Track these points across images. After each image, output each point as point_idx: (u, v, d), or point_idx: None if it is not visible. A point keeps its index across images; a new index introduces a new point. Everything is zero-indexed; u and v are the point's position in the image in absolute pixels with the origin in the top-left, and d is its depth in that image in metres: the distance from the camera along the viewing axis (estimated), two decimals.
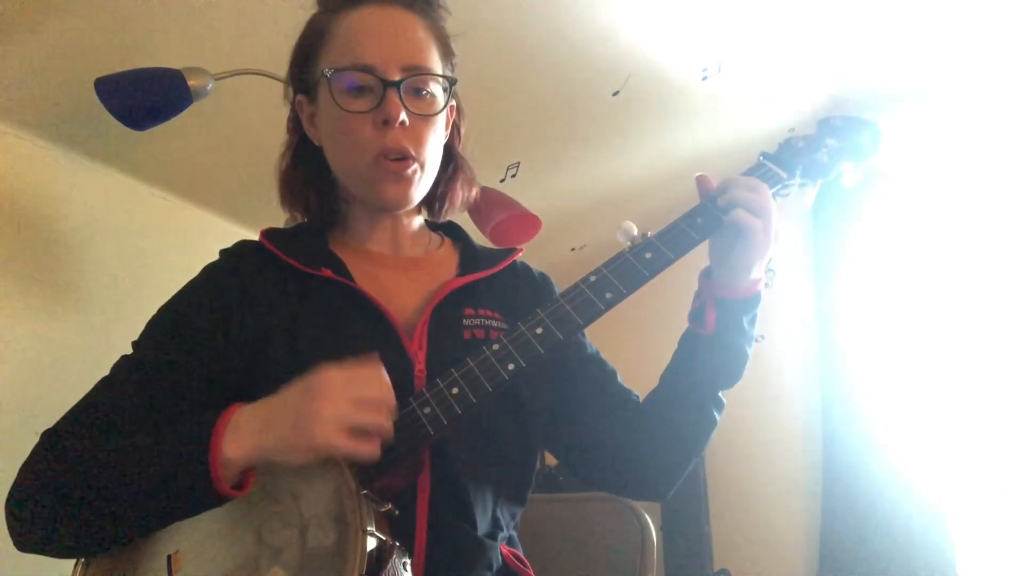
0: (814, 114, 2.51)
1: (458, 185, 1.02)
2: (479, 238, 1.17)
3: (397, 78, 0.86)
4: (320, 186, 0.98)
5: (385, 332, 0.87)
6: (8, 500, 0.78)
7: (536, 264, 1.11)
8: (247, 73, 1.55)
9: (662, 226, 0.91)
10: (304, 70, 0.94)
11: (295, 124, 0.99)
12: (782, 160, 0.98)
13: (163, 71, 1.45)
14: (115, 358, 0.88)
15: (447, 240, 1.06)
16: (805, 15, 2.12)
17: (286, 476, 0.74)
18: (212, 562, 0.73)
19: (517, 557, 0.93)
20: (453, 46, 0.97)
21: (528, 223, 1.89)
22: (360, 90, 0.86)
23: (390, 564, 0.68)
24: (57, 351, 1.74)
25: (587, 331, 0.97)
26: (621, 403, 1.00)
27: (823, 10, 2.12)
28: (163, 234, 2.06)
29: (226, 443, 0.69)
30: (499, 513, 0.91)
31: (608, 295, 0.84)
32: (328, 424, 0.68)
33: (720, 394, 0.95)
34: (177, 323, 0.88)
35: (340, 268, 0.91)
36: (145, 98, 1.43)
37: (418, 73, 0.88)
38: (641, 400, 1.00)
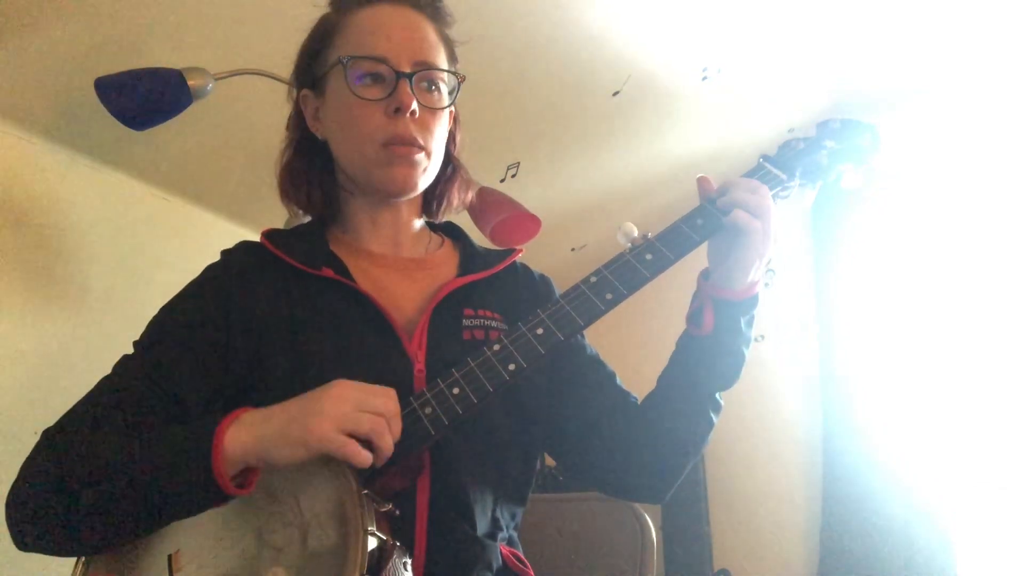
0: (814, 115, 2.51)
1: (455, 186, 1.04)
2: (479, 239, 1.17)
3: (409, 71, 0.89)
4: (322, 180, 0.99)
5: (385, 332, 0.87)
6: (8, 499, 0.78)
7: (536, 264, 1.11)
8: (247, 73, 1.56)
9: (662, 227, 0.91)
10: (313, 64, 0.96)
11: (297, 120, 1.00)
12: (781, 162, 0.98)
13: (163, 71, 1.46)
14: (115, 357, 0.88)
15: (447, 241, 1.06)
16: (805, 16, 2.12)
17: (287, 476, 0.74)
18: (213, 562, 0.73)
19: (517, 557, 0.93)
20: (457, 52, 1.00)
21: (528, 223, 1.89)
22: (373, 80, 0.89)
23: (390, 564, 0.68)
24: (57, 350, 1.74)
25: (587, 333, 0.97)
26: (620, 405, 1.00)
27: (823, 11, 2.12)
28: (163, 234, 2.06)
29: (228, 440, 0.70)
30: (499, 514, 0.91)
31: (608, 296, 0.85)
32: (325, 420, 0.69)
33: (717, 395, 0.96)
34: (178, 323, 0.88)
35: (341, 268, 0.92)
36: (145, 98, 1.44)
37: (429, 68, 0.91)
38: (640, 402, 1.00)
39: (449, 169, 1.03)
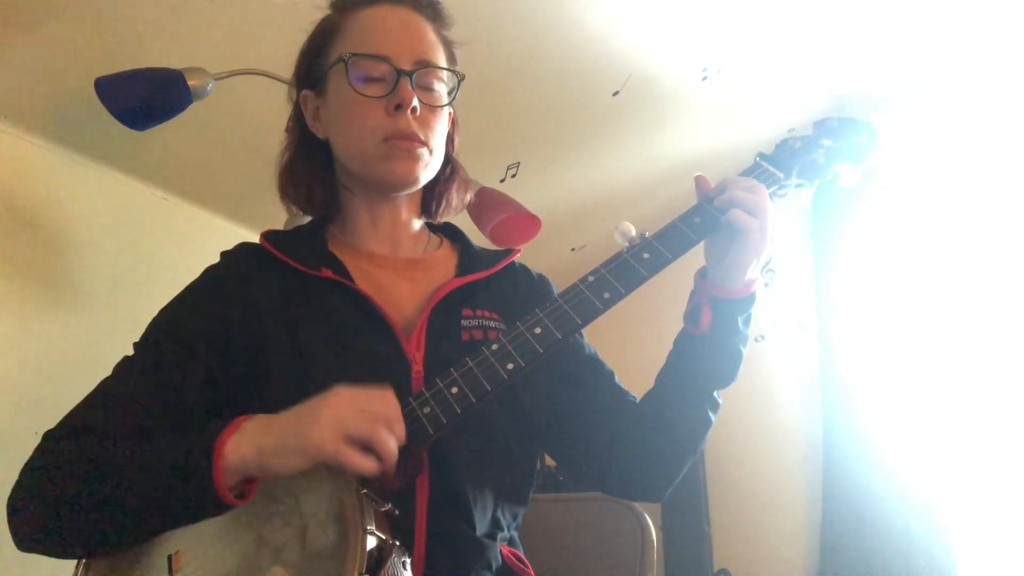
0: (814, 115, 2.50)
1: (454, 186, 1.05)
2: (478, 239, 1.17)
3: (410, 69, 0.90)
4: (322, 179, 0.99)
5: (383, 333, 0.88)
6: (9, 501, 0.78)
7: (536, 264, 1.11)
8: (247, 73, 1.56)
9: (661, 226, 0.91)
10: (313, 64, 0.97)
11: (297, 121, 1.01)
12: (779, 161, 0.98)
13: (163, 71, 1.46)
14: (116, 358, 0.88)
15: (446, 241, 1.07)
16: (805, 16, 2.12)
17: (287, 476, 0.74)
18: (212, 561, 0.73)
19: (517, 557, 0.93)
20: (456, 53, 1.00)
21: (528, 223, 1.89)
22: (374, 78, 0.90)
23: (390, 563, 0.68)
24: (57, 351, 1.74)
25: (585, 332, 0.97)
26: (618, 404, 1.00)
27: (823, 11, 2.12)
28: (163, 234, 2.06)
29: (228, 452, 0.70)
30: (499, 513, 0.91)
31: (606, 295, 0.85)
32: (325, 428, 0.68)
33: (715, 394, 0.96)
34: (178, 324, 0.88)
35: (340, 269, 0.92)
36: (145, 98, 1.44)
37: (429, 66, 0.92)
38: (638, 401, 1.00)
39: (448, 169, 1.03)
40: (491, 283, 0.99)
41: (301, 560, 0.69)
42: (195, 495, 0.70)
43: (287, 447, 0.69)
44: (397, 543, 0.70)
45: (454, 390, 0.79)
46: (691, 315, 0.93)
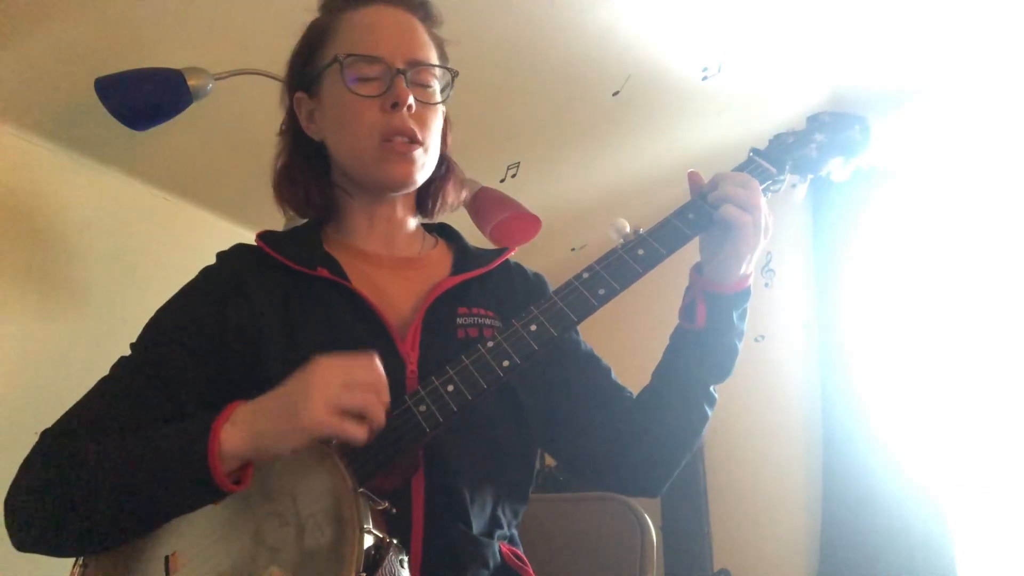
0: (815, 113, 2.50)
1: (450, 184, 1.05)
2: (478, 239, 1.17)
3: (404, 68, 0.91)
4: (318, 181, 1.00)
5: (378, 333, 0.88)
6: (7, 500, 0.78)
7: (536, 264, 1.11)
8: (247, 73, 1.56)
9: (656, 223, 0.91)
10: (306, 66, 0.97)
11: (291, 125, 1.01)
12: (772, 156, 0.98)
13: (163, 71, 1.46)
14: (115, 358, 0.88)
15: (441, 241, 1.07)
16: (806, 14, 2.12)
17: (282, 475, 0.74)
18: (210, 562, 0.73)
19: (516, 555, 0.93)
20: (449, 52, 1.02)
21: (528, 223, 1.89)
22: (369, 77, 0.91)
23: (387, 561, 0.68)
24: (56, 350, 1.74)
25: (581, 328, 0.97)
26: (615, 400, 1.01)
27: (824, 9, 2.12)
28: (163, 234, 2.06)
29: (224, 436, 0.70)
30: (500, 512, 0.91)
31: (601, 291, 0.85)
32: (316, 404, 0.69)
33: (712, 389, 0.96)
34: (175, 325, 0.89)
35: (336, 268, 0.93)
36: (145, 98, 1.44)
37: (423, 65, 0.93)
38: (635, 396, 1.01)
39: (443, 167, 1.04)
40: (486, 281, 0.99)
41: (298, 559, 0.69)
42: (192, 483, 0.70)
43: (283, 429, 0.70)
44: (394, 541, 0.70)
45: (450, 388, 0.79)
46: (686, 311, 0.94)
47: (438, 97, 0.96)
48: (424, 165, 0.95)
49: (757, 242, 0.89)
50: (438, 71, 0.95)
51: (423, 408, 0.78)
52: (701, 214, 0.90)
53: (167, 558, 0.75)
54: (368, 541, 0.67)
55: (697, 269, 0.94)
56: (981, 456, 2.43)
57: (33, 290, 1.72)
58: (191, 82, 1.46)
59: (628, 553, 1.23)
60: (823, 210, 2.94)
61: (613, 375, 1.04)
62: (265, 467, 0.74)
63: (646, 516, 1.25)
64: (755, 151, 0.99)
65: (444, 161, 1.04)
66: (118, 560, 0.77)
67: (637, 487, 1.02)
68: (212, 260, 0.97)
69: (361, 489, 0.70)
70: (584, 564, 1.27)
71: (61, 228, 1.80)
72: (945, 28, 2.24)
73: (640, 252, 0.87)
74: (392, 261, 0.99)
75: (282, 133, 1.03)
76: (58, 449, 0.79)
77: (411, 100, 0.90)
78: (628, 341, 2.38)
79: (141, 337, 0.89)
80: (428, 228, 1.09)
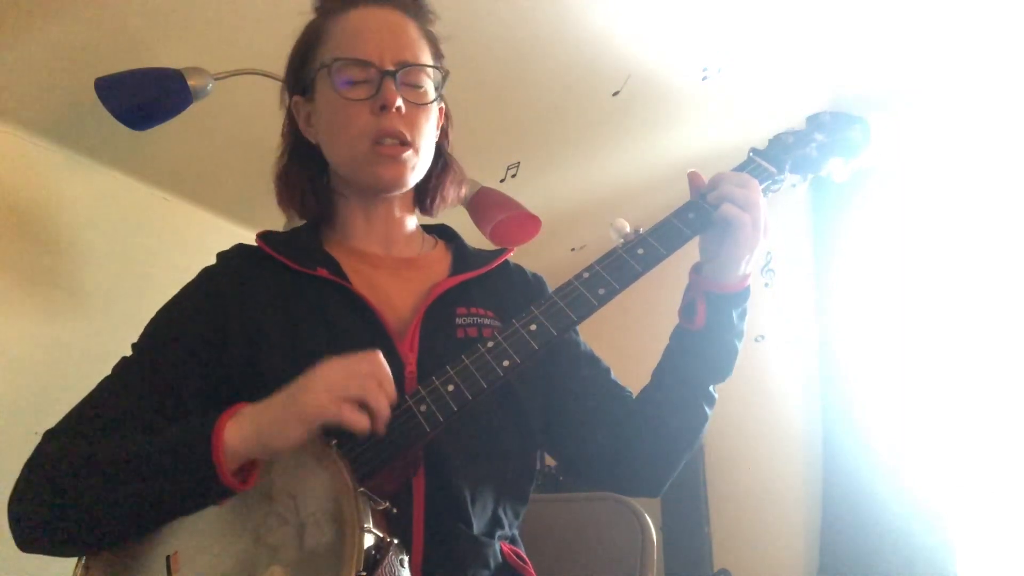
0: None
1: (448, 181, 1.05)
2: (475, 240, 1.17)
3: (392, 69, 0.90)
4: (316, 184, 1.00)
5: (377, 333, 0.88)
6: (10, 500, 0.78)
7: (536, 264, 1.12)
8: (247, 73, 1.56)
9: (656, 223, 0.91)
10: (301, 70, 0.98)
11: (290, 127, 1.02)
12: (771, 156, 0.99)
13: (163, 71, 1.46)
14: (116, 358, 0.88)
15: (440, 242, 1.07)
16: (806, 15, 2.12)
17: (283, 475, 0.75)
18: (210, 562, 0.73)
19: (517, 555, 0.93)
20: (444, 48, 1.01)
21: (528, 223, 1.89)
22: (358, 81, 0.90)
23: (387, 561, 0.68)
24: (57, 351, 1.74)
25: (580, 328, 0.97)
26: (615, 399, 1.01)
27: (824, 10, 2.12)
28: (163, 234, 2.06)
29: (228, 435, 0.70)
30: (501, 512, 0.91)
31: (601, 291, 0.85)
32: (320, 392, 0.69)
33: (711, 389, 0.96)
34: (175, 325, 0.89)
35: (335, 268, 0.93)
36: (145, 98, 1.44)
37: (412, 65, 0.92)
38: (635, 396, 1.01)
39: (441, 163, 1.04)
40: (485, 281, 0.99)
41: (299, 559, 0.69)
42: (197, 482, 0.70)
43: (286, 419, 0.70)
44: (395, 541, 0.70)
45: (450, 388, 0.79)
46: (686, 310, 0.94)
47: (430, 97, 0.95)
48: (415, 167, 0.95)
49: (756, 241, 0.89)
50: (430, 70, 0.95)
51: (423, 408, 0.78)
52: (701, 214, 0.90)
53: (168, 558, 0.75)
54: (368, 541, 0.67)
55: (696, 269, 0.94)
56: (981, 455, 2.43)
57: (33, 290, 1.72)
58: (191, 82, 1.46)
59: (628, 553, 1.23)
60: (823, 210, 2.94)
61: (613, 375, 1.04)
62: (266, 467, 0.74)
63: (646, 516, 1.25)
64: (755, 151, 0.99)
65: (443, 157, 1.04)
66: (120, 560, 0.77)
67: (637, 487, 1.03)
68: (212, 260, 0.97)
69: (361, 489, 0.71)
70: (584, 564, 1.27)
71: (61, 228, 1.80)
72: (945, 29, 2.24)
73: (640, 252, 0.88)
74: (391, 261, 0.99)
75: (283, 135, 1.03)
76: (60, 449, 0.79)
77: (399, 103, 0.89)
78: (627, 341, 2.38)
79: (142, 337, 0.90)
80: (427, 229, 1.09)
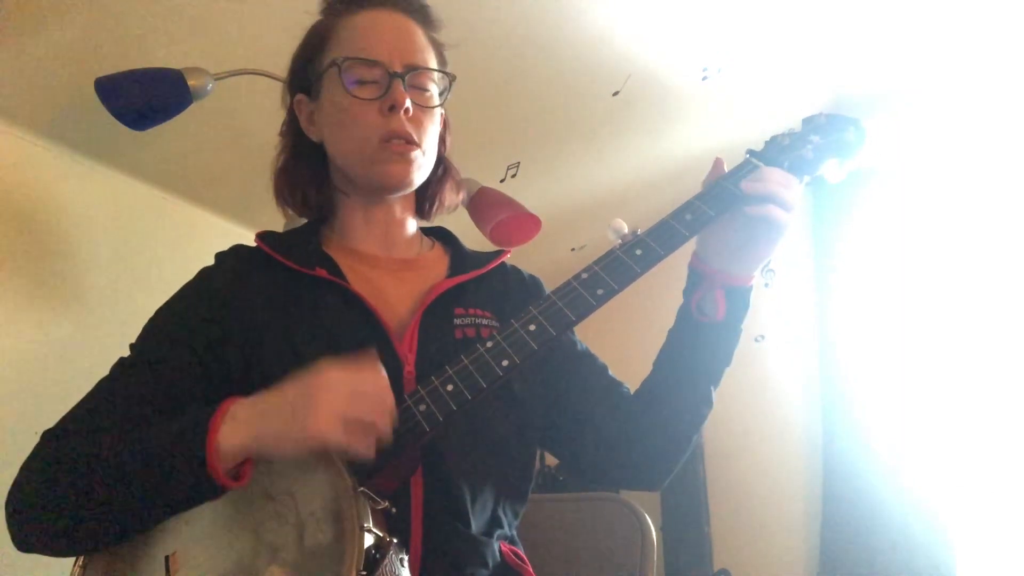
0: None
1: (447, 187, 1.06)
2: (474, 241, 1.18)
3: (401, 71, 0.92)
4: (317, 182, 1.01)
5: (375, 334, 0.88)
6: (8, 500, 0.78)
7: (536, 264, 1.12)
8: (247, 73, 1.56)
9: (653, 223, 0.91)
10: (307, 69, 0.98)
11: (291, 125, 1.02)
12: (768, 157, 0.99)
13: (163, 71, 1.46)
14: (115, 358, 0.88)
15: (438, 244, 1.08)
16: (806, 15, 2.12)
17: (283, 474, 0.75)
18: (209, 562, 0.73)
19: (516, 555, 0.94)
20: (448, 52, 1.02)
21: (528, 223, 1.89)
22: (367, 81, 0.92)
23: (387, 560, 0.68)
24: (57, 351, 1.74)
25: (578, 328, 0.98)
26: (613, 396, 1.01)
27: (824, 10, 2.12)
28: (163, 234, 2.06)
29: (223, 433, 0.70)
30: (500, 511, 0.91)
31: (599, 291, 0.85)
32: (323, 416, 0.69)
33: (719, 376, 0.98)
34: (173, 325, 0.89)
35: (334, 268, 0.93)
36: (145, 98, 1.44)
37: (420, 69, 0.94)
38: (634, 391, 1.02)
39: (440, 170, 1.05)
40: (482, 282, 1.00)
41: (298, 559, 0.69)
42: (190, 479, 0.70)
43: (289, 437, 0.70)
44: (394, 540, 0.70)
45: (449, 387, 0.79)
46: (702, 304, 0.95)
47: (436, 101, 0.97)
48: (421, 166, 0.96)
49: (780, 241, 0.92)
50: (436, 75, 0.96)
51: (423, 407, 0.78)
52: (699, 215, 0.91)
53: (167, 558, 0.75)
54: (368, 540, 0.67)
55: (704, 261, 0.95)
56: (981, 456, 2.43)
57: (33, 290, 1.72)
58: (191, 82, 1.46)
59: (628, 553, 1.23)
60: (823, 211, 2.95)
61: (610, 372, 1.05)
62: (265, 466, 0.74)
63: (646, 516, 1.25)
64: (751, 152, 1.00)
65: (442, 163, 1.05)
66: (118, 560, 0.77)
67: (641, 481, 1.03)
68: (212, 260, 0.97)
69: (361, 488, 0.71)
70: (584, 564, 1.27)
71: (61, 228, 1.80)
72: (946, 29, 2.24)
73: (638, 252, 0.88)
74: (390, 262, 0.99)
75: (283, 134, 1.03)
76: (59, 450, 0.79)
77: (408, 103, 0.91)
78: (623, 340, 2.38)
79: (140, 338, 0.90)
80: (424, 231, 1.09)
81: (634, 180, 2.78)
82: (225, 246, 0.99)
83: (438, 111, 0.98)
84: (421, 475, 0.83)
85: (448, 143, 1.06)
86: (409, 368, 0.86)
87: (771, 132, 1.04)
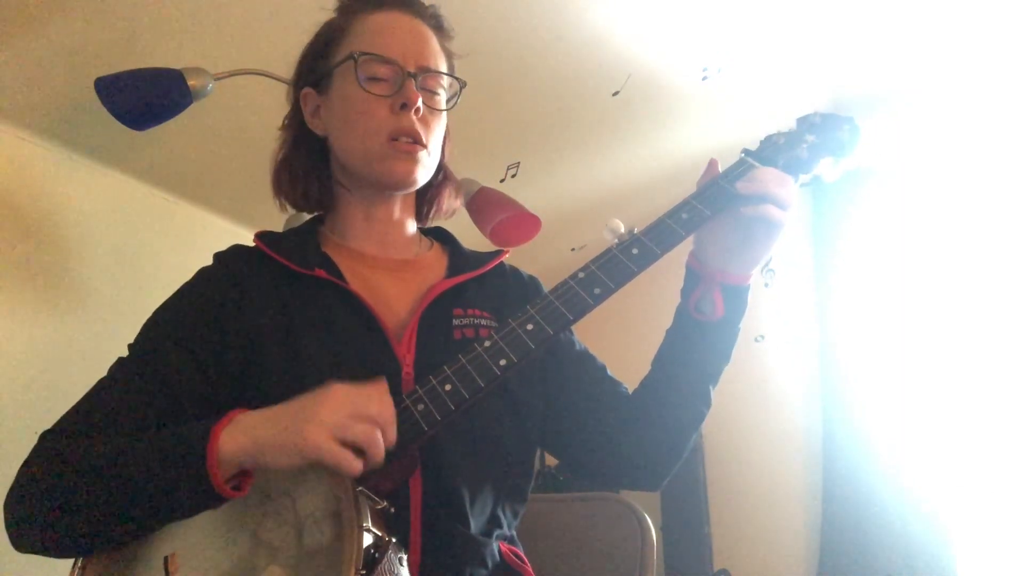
0: None
1: (446, 192, 1.08)
2: (474, 241, 1.18)
3: (415, 71, 0.93)
4: (318, 175, 1.01)
5: (374, 334, 0.88)
6: (7, 501, 0.78)
7: (536, 264, 1.12)
8: (247, 73, 1.56)
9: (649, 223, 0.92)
10: (317, 63, 0.99)
11: (294, 118, 1.02)
12: (763, 156, 0.99)
13: (163, 71, 1.46)
14: (114, 358, 0.88)
15: (436, 244, 1.08)
16: (805, 15, 2.12)
17: (281, 475, 0.75)
18: (209, 562, 0.73)
19: (516, 554, 0.94)
20: (458, 52, 1.04)
21: (528, 223, 1.89)
22: (380, 78, 0.93)
23: (386, 560, 0.68)
24: (56, 351, 1.74)
25: (575, 328, 0.98)
26: (612, 395, 1.02)
27: (823, 10, 2.12)
28: (163, 234, 2.06)
29: (223, 442, 0.70)
30: (499, 512, 0.91)
31: (597, 290, 0.85)
32: (320, 428, 0.69)
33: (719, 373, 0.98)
34: (172, 326, 0.89)
35: (333, 269, 0.93)
36: (145, 98, 1.44)
37: (433, 71, 0.96)
38: (633, 390, 1.02)
39: (440, 175, 1.06)
40: (481, 283, 1.00)
41: (298, 559, 0.69)
42: (190, 488, 0.70)
43: (285, 445, 0.69)
44: (394, 540, 0.70)
45: (447, 387, 0.79)
46: (700, 303, 0.95)
47: (444, 105, 0.98)
48: (426, 167, 0.96)
49: (778, 240, 0.92)
50: (445, 81, 0.98)
51: (421, 407, 0.78)
52: (695, 215, 0.91)
53: (166, 559, 0.75)
54: (367, 540, 0.67)
55: (702, 260, 0.95)
56: (980, 456, 2.43)
57: (33, 290, 1.72)
58: (191, 82, 1.46)
59: (628, 553, 1.23)
60: (822, 210, 2.95)
61: (608, 371, 1.05)
62: (261, 468, 0.74)
63: (646, 516, 1.25)
64: (747, 152, 1.00)
65: (441, 169, 1.06)
66: (117, 561, 0.77)
67: (639, 480, 1.03)
68: (212, 260, 0.97)
69: (360, 488, 0.70)
70: (584, 564, 1.27)
71: (61, 228, 1.80)
72: (946, 29, 2.23)
73: (634, 251, 0.88)
74: (388, 263, 0.99)
75: (284, 127, 1.04)
76: (57, 451, 0.78)
77: (419, 103, 0.92)
78: (621, 339, 2.38)
79: (138, 338, 0.89)
80: (423, 231, 1.09)
81: (634, 180, 2.78)
82: (225, 246, 0.99)
83: (445, 115, 0.99)
84: (420, 475, 0.83)
85: (447, 151, 1.06)
86: (407, 368, 0.87)
87: (771, 131, 1.04)
